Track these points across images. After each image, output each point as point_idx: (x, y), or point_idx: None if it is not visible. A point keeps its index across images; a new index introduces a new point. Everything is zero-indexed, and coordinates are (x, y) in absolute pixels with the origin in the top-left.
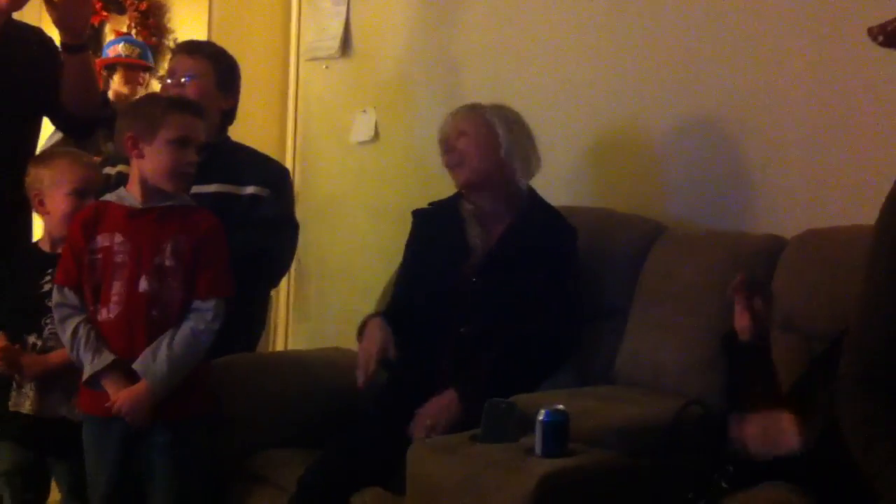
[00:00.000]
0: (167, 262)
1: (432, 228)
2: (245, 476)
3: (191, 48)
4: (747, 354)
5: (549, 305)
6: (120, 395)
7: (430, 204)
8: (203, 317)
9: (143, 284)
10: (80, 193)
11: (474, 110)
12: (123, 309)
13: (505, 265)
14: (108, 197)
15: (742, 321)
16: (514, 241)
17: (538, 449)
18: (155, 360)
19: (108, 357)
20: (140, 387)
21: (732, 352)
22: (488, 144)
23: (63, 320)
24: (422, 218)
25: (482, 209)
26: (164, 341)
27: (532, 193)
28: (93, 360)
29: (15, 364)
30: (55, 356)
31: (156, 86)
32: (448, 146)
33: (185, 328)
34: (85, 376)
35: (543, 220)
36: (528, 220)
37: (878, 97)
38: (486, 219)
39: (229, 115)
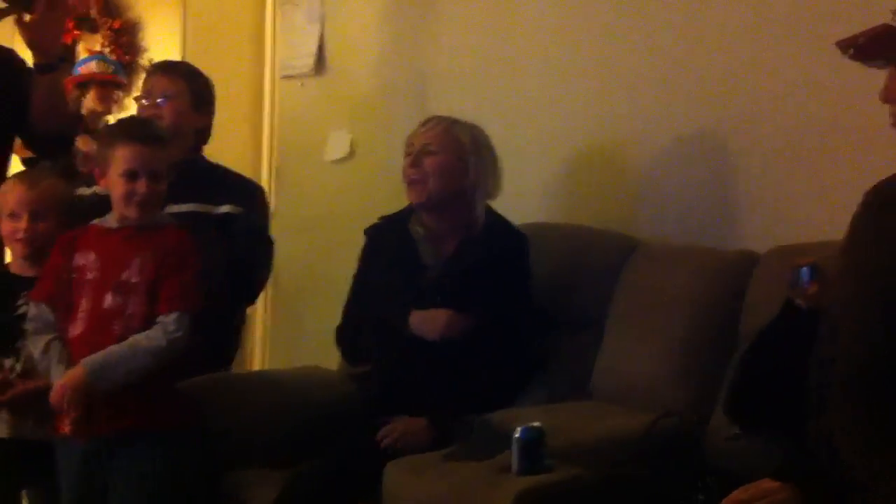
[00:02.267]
0: (133, 279)
1: (386, 249)
2: (220, 497)
3: (166, 68)
4: (800, 317)
5: (512, 317)
6: (56, 384)
7: (380, 218)
8: (164, 328)
9: (107, 300)
10: (14, 216)
11: (448, 131)
12: (88, 325)
13: (461, 281)
14: (95, 221)
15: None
16: (466, 257)
17: (514, 466)
18: (100, 355)
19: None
20: (76, 370)
21: (785, 310)
22: (455, 170)
23: (35, 334)
24: (374, 236)
25: (432, 230)
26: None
27: (487, 212)
28: (60, 375)
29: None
30: (42, 381)
31: (129, 104)
32: (413, 160)
33: (141, 335)
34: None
35: (492, 232)
36: (479, 234)
37: (848, 114)
38: (437, 239)
39: (203, 134)
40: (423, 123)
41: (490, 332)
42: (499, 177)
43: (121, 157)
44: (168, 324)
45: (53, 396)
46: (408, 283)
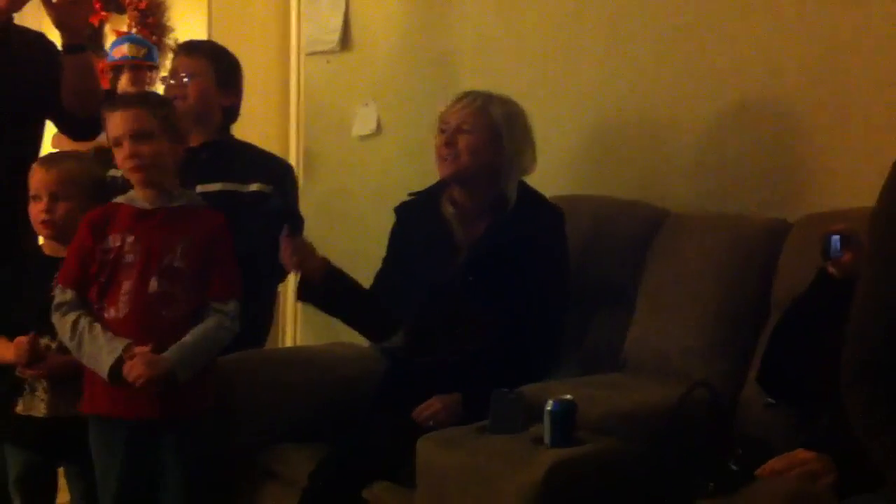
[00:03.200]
0: (177, 263)
1: (416, 229)
2: (255, 472)
3: (190, 48)
4: (833, 286)
5: (543, 296)
6: (136, 364)
7: (410, 194)
8: (227, 316)
9: (153, 285)
10: (35, 199)
11: (482, 110)
12: (133, 308)
13: (493, 260)
14: (120, 199)
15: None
16: (498, 235)
17: (546, 439)
18: (180, 348)
19: (123, 341)
20: (163, 361)
21: (818, 279)
22: (488, 149)
23: (62, 315)
24: (404, 216)
25: (463, 209)
26: (189, 335)
27: (521, 187)
28: (109, 347)
29: (40, 358)
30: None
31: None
32: (448, 139)
33: (211, 322)
34: (107, 364)
35: (525, 209)
36: (511, 213)
37: (880, 82)
38: (468, 218)
39: (231, 113)
40: (459, 100)
41: (521, 311)
42: (534, 151)
43: (108, 127)
44: (230, 312)
45: (135, 375)
46: (439, 266)
